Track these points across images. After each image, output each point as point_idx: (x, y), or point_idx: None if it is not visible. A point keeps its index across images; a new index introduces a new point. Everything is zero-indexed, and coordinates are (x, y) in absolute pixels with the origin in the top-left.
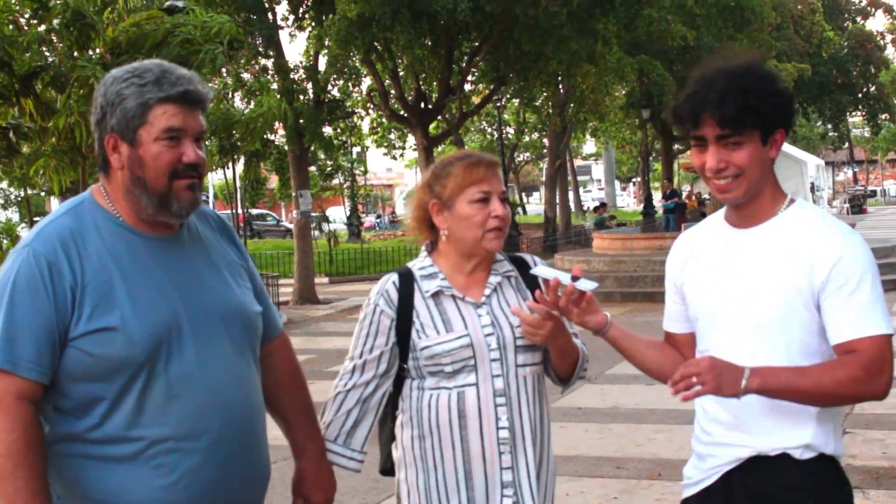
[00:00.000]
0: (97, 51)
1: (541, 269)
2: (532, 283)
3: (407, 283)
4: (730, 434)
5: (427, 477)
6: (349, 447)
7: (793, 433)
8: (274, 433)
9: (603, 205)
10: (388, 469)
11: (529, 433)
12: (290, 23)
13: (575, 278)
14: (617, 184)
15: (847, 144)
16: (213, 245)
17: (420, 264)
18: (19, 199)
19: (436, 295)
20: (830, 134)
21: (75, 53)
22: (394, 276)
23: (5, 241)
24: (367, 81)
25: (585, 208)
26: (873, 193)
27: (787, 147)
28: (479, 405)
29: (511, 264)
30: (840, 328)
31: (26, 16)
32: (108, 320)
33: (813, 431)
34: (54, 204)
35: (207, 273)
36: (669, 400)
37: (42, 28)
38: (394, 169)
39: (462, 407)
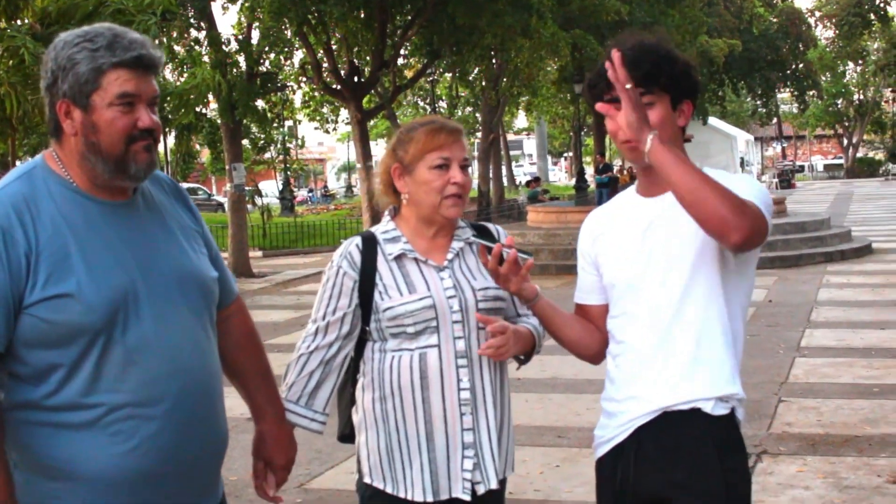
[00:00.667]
0: (26, 21)
1: (480, 239)
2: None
3: (370, 247)
4: (641, 390)
5: (389, 438)
6: (311, 408)
7: (706, 388)
8: (229, 402)
9: (536, 179)
10: (346, 435)
11: (490, 395)
12: None
13: (508, 246)
14: (549, 158)
15: (776, 120)
16: (168, 210)
17: (383, 228)
18: None
19: (399, 258)
20: (760, 110)
21: (2, 24)
22: (357, 240)
23: None
24: (299, 55)
25: (518, 183)
26: (801, 169)
27: (717, 122)
28: (440, 366)
29: (473, 231)
30: None
31: None
32: (63, 287)
33: (725, 388)
34: None
35: (163, 238)
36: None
37: None
38: (325, 143)
39: (424, 368)
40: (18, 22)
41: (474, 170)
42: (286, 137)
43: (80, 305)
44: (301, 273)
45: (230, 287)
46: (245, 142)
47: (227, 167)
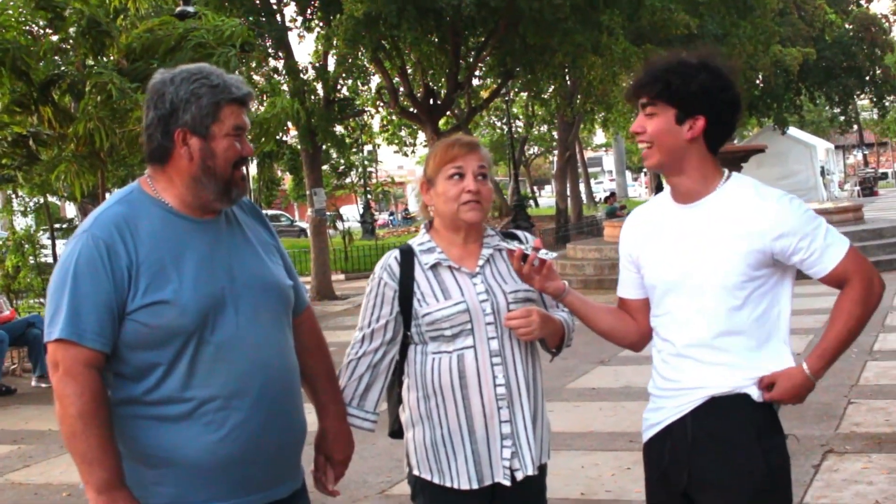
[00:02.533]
0: (112, 57)
1: (505, 243)
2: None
3: (407, 258)
4: (686, 380)
5: (433, 433)
6: (363, 409)
7: (744, 376)
8: None
9: (613, 194)
10: (395, 431)
11: (525, 389)
12: (298, 24)
13: (536, 249)
14: (628, 174)
15: (856, 128)
16: (248, 226)
17: (419, 240)
18: (38, 205)
19: (434, 267)
20: (839, 118)
21: (90, 60)
22: (395, 252)
23: (27, 247)
24: (376, 79)
25: (597, 199)
26: (884, 176)
27: (796, 132)
28: (477, 366)
29: (502, 238)
30: (818, 268)
31: (41, 24)
32: (161, 294)
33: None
34: (70, 210)
35: (246, 251)
36: None
37: (57, 37)
38: (405, 166)
39: (462, 368)
40: (105, 58)
41: (552, 188)
42: (366, 162)
43: (176, 310)
44: None
45: (302, 296)
46: (325, 167)
47: (307, 192)
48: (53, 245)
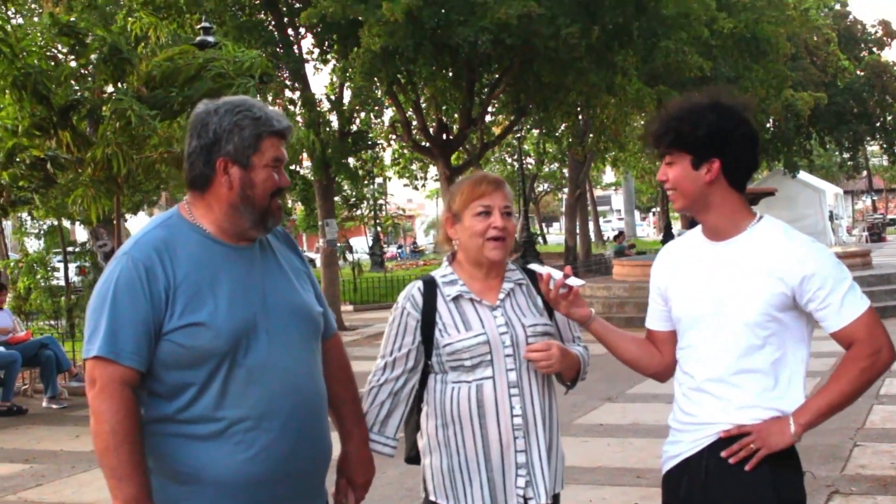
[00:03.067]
0: (132, 84)
1: (536, 266)
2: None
3: (430, 289)
4: (705, 415)
5: (451, 461)
6: (383, 435)
7: (757, 413)
8: None
9: (621, 233)
10: (412, 457)
11: (541, 420)
12: (314, 56)
13: (566, 276)
14: (637, 213)
15: (865, 173)
16: (281, 253)
17: (442, 272)
18: (50, 227)
19: (456, 299)
20: (848, 163)
21: (110, 87)
22: (419, 283)
23: (39, 270)
24: (389, 113)
25: (605, 238)
26: (893, 222)
27: (805, 176)
28: (495, 396)
29: (522, 273)
30: (830, 322)
31: (63, 51)
32: (197, 317)
33: (783, 411)
34: (80, 233)
35: (278, 277)
36: None
37: (76, 63)
38: (414, 200)
39: (480, 398)
40: (124, 85)
41: (561, 225)
42: (377, 194)
43: (211, 332)
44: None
45: (330, 322)
46: (337, 198)
47: (319, 223)
48: (66, 268)
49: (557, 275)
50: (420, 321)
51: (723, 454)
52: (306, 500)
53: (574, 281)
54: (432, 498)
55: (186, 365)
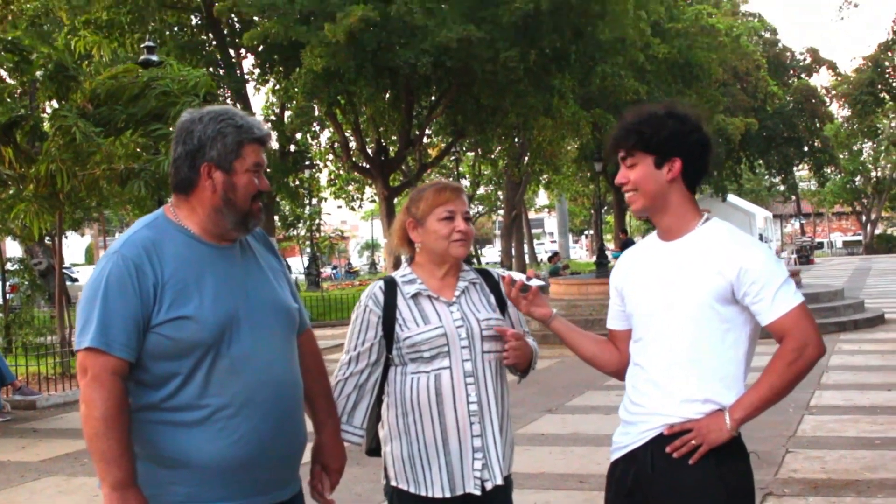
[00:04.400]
0: (77, 101)
1: (501, 271)
2: (493, 288)
3: (391, 288)
4: (653, 406)
5: (411, 448)
6: (351, 425)
7: (703, 406)
8: None
9: (556, 254)
10: (373, 449)
11: (495, 407)
12: (255, 76)
13: (528, 278)
14: (570, 236)
15: (795, 197)
16: (260, 254)
17: (401, 273)
18: None
19: (415, 296)
20: (778, 187)
21: (54, 104)
22: (380, 283)
23: None
24: (327, 134)
25: (539, 260)
26: (820, 245)
27: (736, 199)
28: (452, 385)
29: (476, 273)
30: (764, 314)
31: (7, 67)
32: (183, 311)
33: (720, 403)
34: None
35: (258, 276)
36: None
37: (19, 80)
38: (349, 221)
39: (438, 386)
40: (68, 102)
41: (496, 246)
42: (314, 215)
43: (196, 325)
44: (329, 343)
45: (304, 319)
46: (275, 217)
47: None
48: (4, 285)
49: (518, 276)
50: (381, 317)
51: (667, 449)
52: (284, 484)
53: (535, 281)
54: (393, 483)
55: (173, 356)
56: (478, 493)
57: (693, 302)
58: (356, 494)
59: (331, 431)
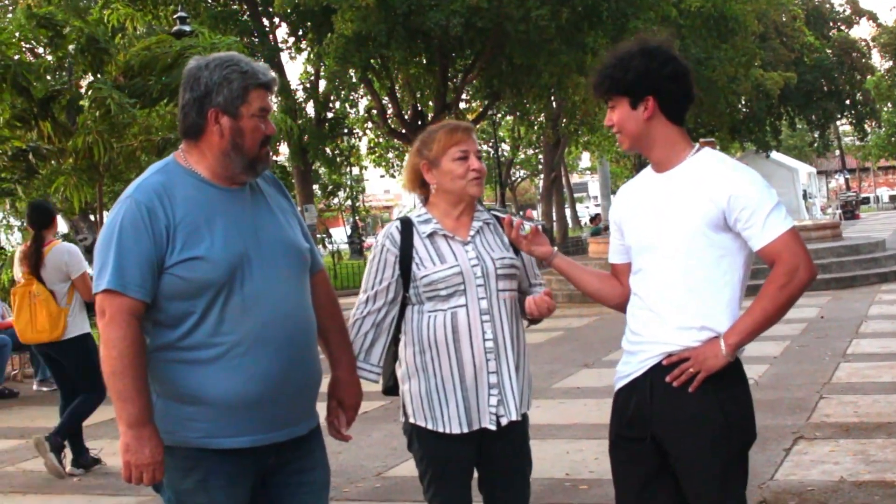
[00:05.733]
0: (111, 74)
1: (498, 211)
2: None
3: (407, 228)
4: (651, 334)
5: (428, 384)
6: (368, 362)
7: (699, 333)
8: None
9: (598, 216)
10: (390, 388)
11: (510, 344)
12: (289, 45)
13: (528, 218)
14: (612, 198)
15: (838, 152)
16: (270, 195)
17: (417, 213)
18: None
19: (431, 235)
20: (818, 141)
21: (89, 77)
22: (396, 223)
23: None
24: (364, 102)
25: (582, 223)
26: (866, 200)
27: (779, 156)
28: (468, 322)
29: (489, 214)
30: (755, 240)
31: (42, 42)
32: (195, 251)
33: (714, 330)
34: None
35: (268, 216)
36: None
37: (54, 55)
38: (391, 191)
39: (455, 324)
40: (103, 75)
41: (538, 211)
42: (353, 184)
43: (208, 265)
44: None
45: (317, 259)
46: (315, 186)
47: (298, 209)
48: None
49: (516, 218)
50: (398, 256)
51: (667, 379)
52: (301, 418)
53: (533, 222)
54: (412, 420)
55: (187, 296)
56: (493, 427)
57: (685, 230)
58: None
59: (346, 367)
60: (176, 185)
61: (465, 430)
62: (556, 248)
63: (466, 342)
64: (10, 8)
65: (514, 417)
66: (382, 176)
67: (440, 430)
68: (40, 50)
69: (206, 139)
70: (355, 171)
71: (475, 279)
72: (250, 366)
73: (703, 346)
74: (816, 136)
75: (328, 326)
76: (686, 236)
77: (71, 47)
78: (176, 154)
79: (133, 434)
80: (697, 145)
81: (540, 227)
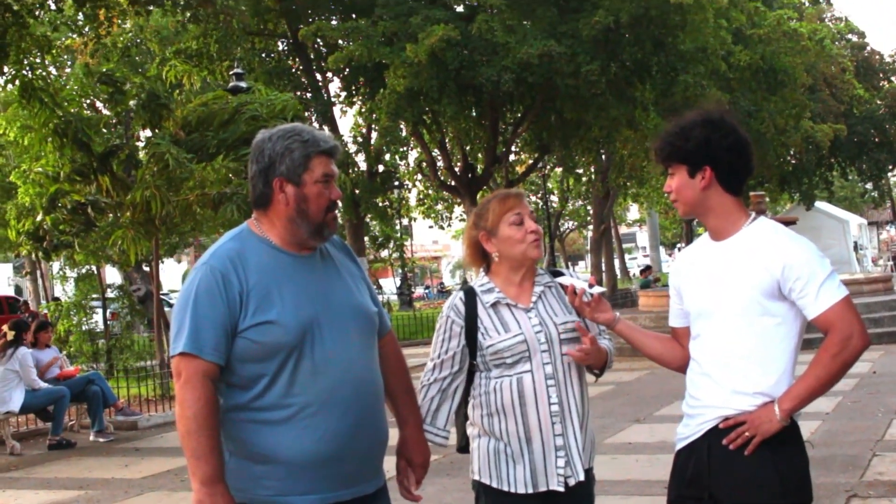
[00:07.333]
0: (169, 129)
1: (563, 279)
2: None
3: (471, 298)
4: (709, 399)
5: (496, 445)
6: (434, 426)
7: (754, 398)
8: None
9: (648, 267)
10: (463, 447)
11: (575, 407)
12: (341, 99)
13: (591, 285)
14: (662, 249)
15: (889, 203)
16: (339, 260)
17: (480, 282)
18: (87, 272)
19: (494, 305)
20: (872, 193)
21: (148, 132)
22: (460, 294)
23: (76, 313)
24: (414, 154)
25: (631, 274)
26: None
27: (828, 206)
28: (534, 387)
29: (550, 277)
30: (809, 308)
31: (103, 98)
32: (267, 316)
33: (768, 395)
34: (111, 277)
35: (337, 281)
36: None
37: (113, 110)
38: (439, 241)
39: (521, 389)
40: (161, 130)
41: (587, 263)
42: (402, 235)
43: (280, 329)
44: (421, 361)
45: (385, 321)
46: (365, 238)
47: None
48: (105, 311)
49: (580, 284)
50: (464, 327)
51: (724, 442)
52: (369, 477)
53: (596, 289)
54: (476, 478)
55: (259, 359)
56: (561, 489)
57: (741, 298)
58: None
59: (413, 426)
60: (249, 252)
61: (531, 491)
62: (618, 314)
63: (532, 407)
64: (69, 63)
65: (580, 478)
66: (431, 227)
67: (506, 489)
68: (99, 105)
69: (274, 208)
70: (404, 222)
71: (539, 345)
72: (320, 426)
73: (759, 411)
74: (868, 187)
75: (395, 386)
76: (741, 304)
77: (132, 103)
78: (249, 222)
79: (206, 491)
80: (753, 214)
81: (601, 292)
